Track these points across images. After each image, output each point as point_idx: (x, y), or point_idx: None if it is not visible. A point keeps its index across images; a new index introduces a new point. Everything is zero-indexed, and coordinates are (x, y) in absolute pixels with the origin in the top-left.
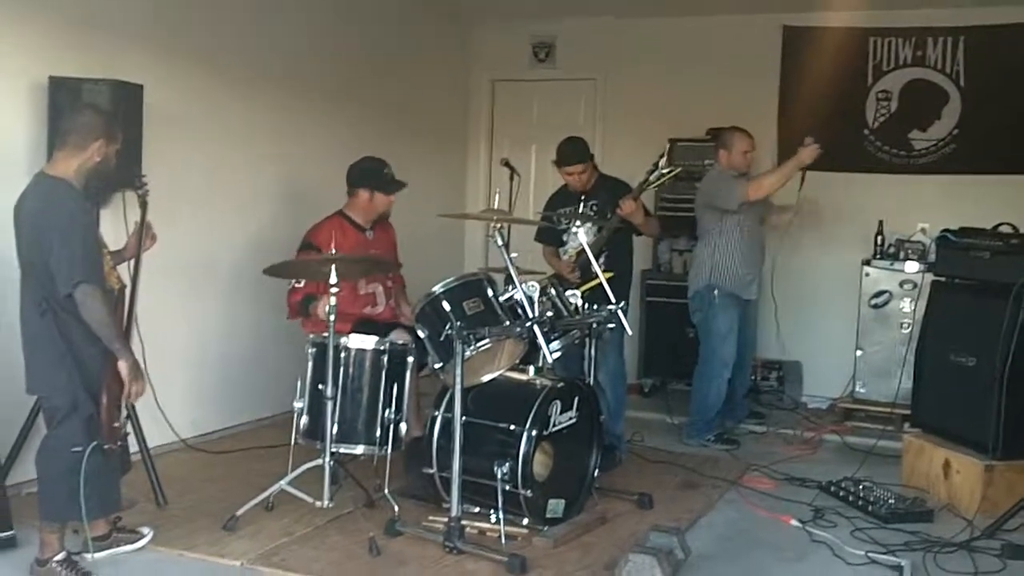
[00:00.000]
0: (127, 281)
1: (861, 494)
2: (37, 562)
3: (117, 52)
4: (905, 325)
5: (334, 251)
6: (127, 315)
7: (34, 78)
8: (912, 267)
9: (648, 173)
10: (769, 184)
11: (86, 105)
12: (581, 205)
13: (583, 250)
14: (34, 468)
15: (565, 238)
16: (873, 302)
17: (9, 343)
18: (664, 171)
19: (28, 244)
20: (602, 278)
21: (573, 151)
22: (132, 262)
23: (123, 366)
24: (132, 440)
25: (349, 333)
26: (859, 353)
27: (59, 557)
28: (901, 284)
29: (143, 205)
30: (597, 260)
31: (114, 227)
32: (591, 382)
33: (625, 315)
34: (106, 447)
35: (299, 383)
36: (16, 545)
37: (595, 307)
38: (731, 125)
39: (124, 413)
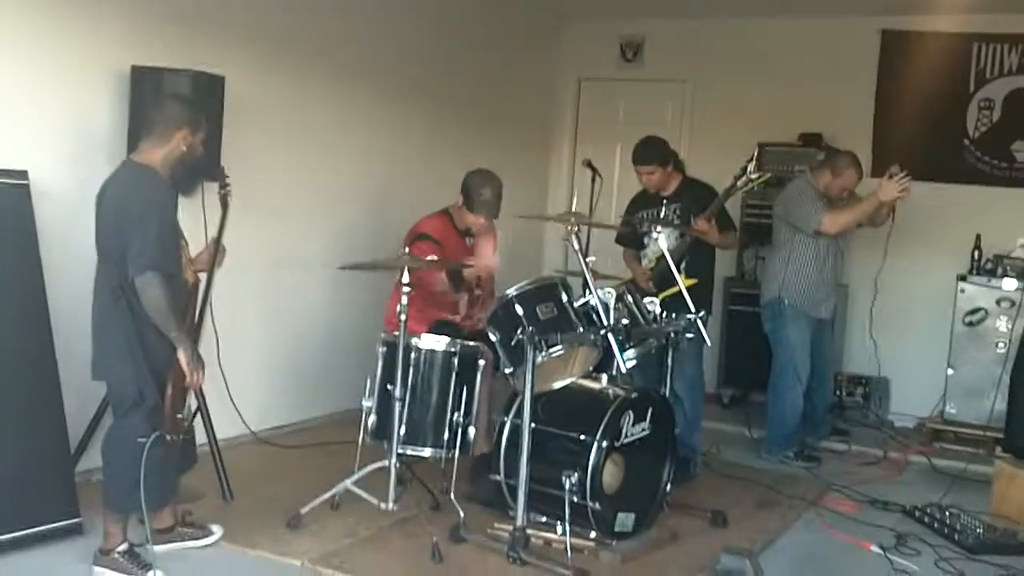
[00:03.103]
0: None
1: (948, 521)
2: (100, 551)
3: (200, 43)
4: (1001, 345)
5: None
6: (200, 309)
7: (117, 67)
8: (1010, 284)
9: (736, 178)
10: (845, 221)
11: (171, 95)
12: (663, 209)
13: (663, 256)
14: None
15: (645, 241)
16: (968, 319)
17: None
18: (753, 176)
19: (108, 229)
20: (682, 285)
21: (644, 151)
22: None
23: (182, 355)
24: (200, 431)
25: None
26: (950, 372)
27: (121, 548)
28: (998, 302)
29: (224, 206)
30: (678, 267)
31: (193, 218)
32: (667, 393)
33: (705, 325)
34: (168, 438)
35: (368, 381)
36: (83, 532)
37: (674, 315)
38: (846, 149)
39: (192, 405)
